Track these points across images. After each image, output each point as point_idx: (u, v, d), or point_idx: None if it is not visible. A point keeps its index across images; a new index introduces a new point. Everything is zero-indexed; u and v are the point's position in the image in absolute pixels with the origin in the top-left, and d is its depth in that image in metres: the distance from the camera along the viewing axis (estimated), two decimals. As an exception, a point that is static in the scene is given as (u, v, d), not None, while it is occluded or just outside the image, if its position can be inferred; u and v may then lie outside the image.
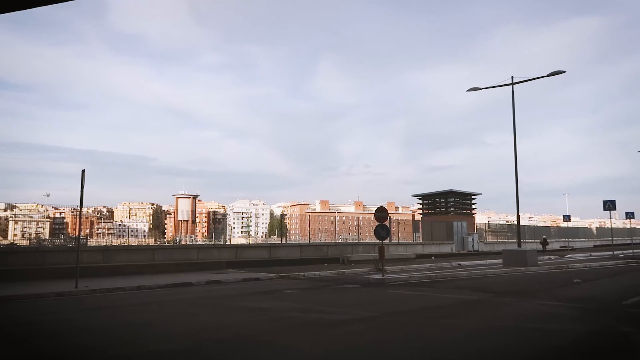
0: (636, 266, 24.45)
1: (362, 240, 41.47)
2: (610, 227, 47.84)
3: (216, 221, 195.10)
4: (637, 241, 59.14)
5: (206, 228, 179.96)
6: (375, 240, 19.46)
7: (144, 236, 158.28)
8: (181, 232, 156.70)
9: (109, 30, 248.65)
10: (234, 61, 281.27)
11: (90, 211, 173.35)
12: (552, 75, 24.27)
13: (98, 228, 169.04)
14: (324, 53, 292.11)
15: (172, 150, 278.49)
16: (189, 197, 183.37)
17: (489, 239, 48.83)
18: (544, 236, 53.03)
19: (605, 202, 33.43)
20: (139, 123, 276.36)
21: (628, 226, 66.50)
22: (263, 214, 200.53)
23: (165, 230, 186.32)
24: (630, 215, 40.24)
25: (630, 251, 38.36)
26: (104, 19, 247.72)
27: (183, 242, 76.89)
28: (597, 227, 77.55)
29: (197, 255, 24.47)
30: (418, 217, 50.06)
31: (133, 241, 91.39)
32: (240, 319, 9.99)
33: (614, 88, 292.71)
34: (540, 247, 47.79)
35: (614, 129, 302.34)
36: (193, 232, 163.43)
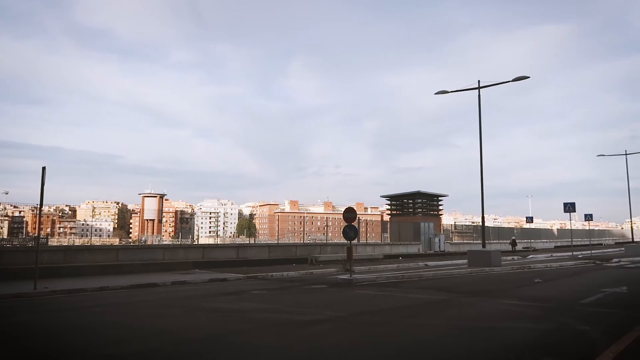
0: (594, 266, 25.34)
1: (330, 241, 41.59)
2: (570, 228, 49.44)
3: (184, 221, 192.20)
4: (595, 242, 61.40)
5: (173, 228, 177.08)
6: (344, 240, 19.54)
7: (108, 236, 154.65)
8: (147, 232, 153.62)
9: (74, 24, 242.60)
10: (205, 60, 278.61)
11: (51, 210, 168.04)
12: (517, 80, 24.90)
13: (60, 227, 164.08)
14: (296, 53, 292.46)
15: (139, 148, 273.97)
16: (156, 197, 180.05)
17: (455, 239, 49.76)
18: (514, 237, 54.64)
19: (565, 205, 34.55)
20: (105, 120, 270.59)
21: (587, 227, 68.95)
22: (232, 214, 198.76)
23: (131, 230, 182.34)
24: (588, 217, 41.74)
25: (589, 252, 39.76)
26: (69, 11, 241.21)
27: (149, 242, 75.40)
28: (558, 229, 79.99)
29: (163, 256, 24.03)
30: (387, 217, 50.61)
31: (97, 241, 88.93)
32: (206, 320, 9.87)
33: (577, 94, 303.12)
34: (510, 247, 49.86)
35: (575, 134, 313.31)
36: (160, 232, 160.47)
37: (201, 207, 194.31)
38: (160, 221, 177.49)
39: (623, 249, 45.03)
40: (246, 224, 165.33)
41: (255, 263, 26.16)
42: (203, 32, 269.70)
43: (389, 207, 50.26)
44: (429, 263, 27.72)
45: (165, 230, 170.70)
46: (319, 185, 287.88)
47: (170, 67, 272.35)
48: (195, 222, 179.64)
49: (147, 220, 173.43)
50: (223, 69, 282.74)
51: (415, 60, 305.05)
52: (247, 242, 43.62)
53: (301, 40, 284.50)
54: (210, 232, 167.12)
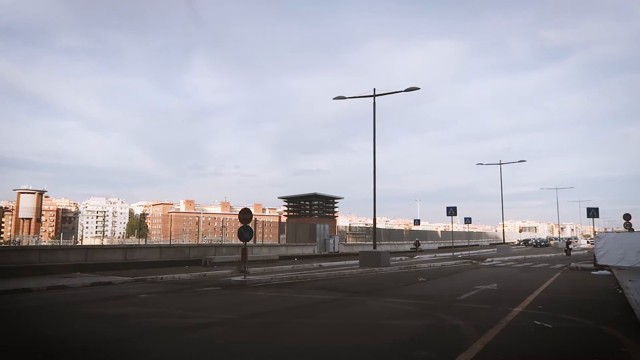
0: (470, 266, 27.64)
1: (227, 242, 40.86)
2: (452, 230, 53.42)
3: (66, 220, 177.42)
4: (473, 243, 67.03)
5: (54, 228, 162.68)
6: (240, 242, 19.30)
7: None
8: (23, 232, 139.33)
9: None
10: (98, 47, 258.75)
11: None
12: (408, 90, 26.40)
13: None
14: (198, 49, 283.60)
15: (15, 139, 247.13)
16: (34, 193, 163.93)
17: (350, 240, 51.45)
18: (417, 238, 58.01)
19: (448, 208, 37.39)
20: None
21: (467, 230, 75.10)
22: (122, 213, 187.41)
23: (3, 230, 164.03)
24: (468, 220, 45.56)
25: (467, 252, 43.36)
26: None
27: (24, 243, 68.47)
28: (442, 231, 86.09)
29: (39, 258, 21.94)
30: (284, 219, 50.84)
31: (-41, 242, 78.76)
32: (85, 327, 9.18)
33: (462, 107, 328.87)
34: (414, 247, 54.03)
35: (459, 144, 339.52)
36: (38, 232, 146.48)
37: (87, 205, 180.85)
38: (38, 220, 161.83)
39: (496, 249, 49.69)
40: (137, 224, 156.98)
41: (145, 265, 24.92)
42: (97, 18, 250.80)
43: (286, 208, 50.60)
44: (323, 264, 28.36)
45: (45, 230, 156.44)
46: (217, 185, 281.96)
47: (57, 53, 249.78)
48: (80, 222, 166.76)
49: (22, 219, 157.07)
50: (118, 59, 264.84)
51: (318, 65, 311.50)
52: (137, 243, 41.37)
53: (204, 36, 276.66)
54: (96, 232, 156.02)
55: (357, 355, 6.82)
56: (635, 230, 32.44)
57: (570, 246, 43.50)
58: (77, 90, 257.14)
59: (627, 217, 32.01)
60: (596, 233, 30.16)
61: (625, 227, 32.57)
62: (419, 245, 55.24)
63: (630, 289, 13.84)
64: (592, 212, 29.34)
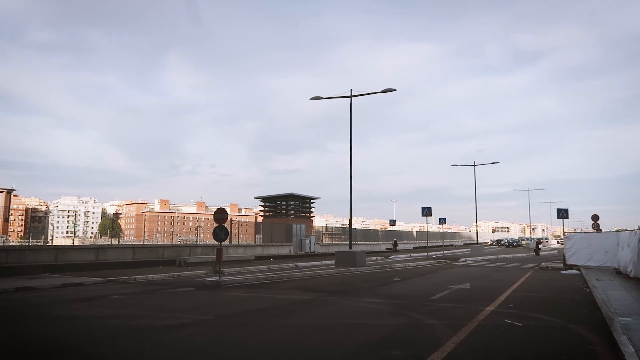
0: (444, 265, 28.01)
1: (202, 242, 40.44)
2: (426, 231, 54.03)
3: (36, 220, 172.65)
4: (447, 243, 67.94)
5: (23, 227, 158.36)
6: (215, 242, 19.13)
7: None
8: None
9: None
10: (71, 43, 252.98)
11: None
12: (385, 92, 26.60)
13: None
14: (175, 46, 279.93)
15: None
16: (2, 192, 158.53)
17: (326, 241, 51.55)
18: (395, 239, 58.53)
19: (423, 209, 37.77)
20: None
21: (441, 230, 76.04)
22: (94, 213, 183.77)
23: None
24: (442, 221, 46.17)
25: (442, 252, 43.93)
26: None
27: (-9, 243, 66.39)
28: (417, 231, 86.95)
29: (7, 259, 21.35)
30: (260, 219, 50.62)
31: None
32: (54, 329, 8.96)
33: (437, 109, 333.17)
34: (392, 247, 55.01)
35: (434, 145, 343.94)
36: (6, 231, 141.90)
37: (58, 204, 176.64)
38: (6, 220, 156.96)
39: (469, 249, 50.49)
40: (110, 224, 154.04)
41: (117, 266, 24.48)
42: (71, 12, 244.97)
43: (262, 208, 50.36)
44: (299, 264, 28.34)
45: (14, 230, 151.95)
46: (193, 184, 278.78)
47: (27, 47, 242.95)
48: (51, 222, 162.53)
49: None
50: (92, 55, 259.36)
51: (296, 65, 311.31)
52: (110, 243, 40.61)
53: (181, 33, 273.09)
54: (68, 232, 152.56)
55: (331, 355, 6.84)
56: (602, 230, 33.35)
57: (539, 246, 44.51)
58: (49, 86, 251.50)
59: (595, 217, 32.91)
60: (566, 233, 30.92)
61: (593, 228, 33.48)
62: (397, 245, 55.83)
63: (597, 288, 14.25)
64: (562, 213, 30.06)
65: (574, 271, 22.36)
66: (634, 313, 9.64)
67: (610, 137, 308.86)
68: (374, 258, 35.38)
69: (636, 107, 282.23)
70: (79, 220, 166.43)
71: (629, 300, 11.67)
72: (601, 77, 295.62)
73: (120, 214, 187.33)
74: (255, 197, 50.19)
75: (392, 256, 40.65)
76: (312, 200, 49.96)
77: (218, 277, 17.61)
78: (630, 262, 17.63)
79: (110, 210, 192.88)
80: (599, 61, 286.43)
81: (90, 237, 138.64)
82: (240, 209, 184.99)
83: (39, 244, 36.04)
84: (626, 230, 23.60)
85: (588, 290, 14.55)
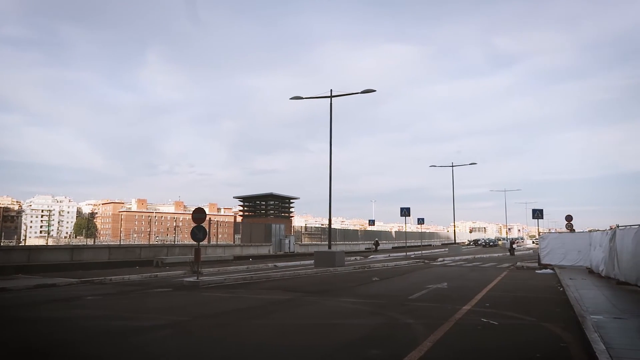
0: (423, 265, 28.29)
1: (180, 242, 40.03)
2: (405, 231, 54.49)
3: (8, 219, 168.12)
4: (426, 243, 68.65)
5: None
6: (193, 242, 18.94)
7: None
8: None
9: None
10: (44, 38, 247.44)
11: None
12: (365, 92, 26.72)
13: None
14: (153, 44, 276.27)
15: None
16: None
17: (305, 241, 51.58)
18: (376, 238, 58.79)
19: (402, 209, 38.06)
20: None
21: (420, 230, 76.80)
22: (69, 212, 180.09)
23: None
24: (420, 221, 46.64)
25: (420, 252, 44.36)
26: None
27: (-40, 244, 64.49)
28: (396, 231, 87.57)
29: (-23, 259, 20.79)
30: (239, 219, 50.31)
31: None
32: (25, 332, 8.74)
33: (416, 110, 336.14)
34: (373, 247, 55.16)
35: (413, 146, 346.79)
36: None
37: (31, 204, 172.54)
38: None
39: (447, 249, 51.08)
40: (85, 224, 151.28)
41: (93, 266, 24.07)
42: (45, 7, 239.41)
43: (241, 208, 50.08)
44: (278, 264, 28.27)
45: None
46: (171, 184, 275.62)
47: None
48: (24, 221, 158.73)
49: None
50: (66, 51, 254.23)
51: (275, 64, 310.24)
52: (85, 243, 39.90)
53: (159, 31, 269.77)
54: (41, 232, 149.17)
55: (310, 355, 6.84)
56: (576, 231, 34.13)
57: (514, 246, 45.29)
58: (21, 82, 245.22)
59: (568, 218, 33.66)
60: (540, 234, 31.54)
61: (567, 228, 34.24)
62: (378, 245, 56.10)
63: (570, 287, 14.59)
64: (537, 214, 30.64)
65: (548, 270, 22.83)
66: (605, 311, 9.90)
67: (584, 140, 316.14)
68: (353, 258, 35.51)
69: (608, 110, 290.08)
70: (53, 220, 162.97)
71: (600, 299, 11.98)
72: (575, 80, 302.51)
73: (96, 213, 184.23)
74: (234, 197, 49.89)
75: (371, 256, 40.86)
76: (291, 200, 49.88)
77: (196, 278, 17.45)
78: (602, 262, 18.09)
79: (86, 210, 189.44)
80: (573, 65, 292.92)
81: (65, 237, 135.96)
82: (219, 209, 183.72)
83: (11, 244, 35.18)
84: (598, 230, 24.19)
85: (561, 289, 14.87)
